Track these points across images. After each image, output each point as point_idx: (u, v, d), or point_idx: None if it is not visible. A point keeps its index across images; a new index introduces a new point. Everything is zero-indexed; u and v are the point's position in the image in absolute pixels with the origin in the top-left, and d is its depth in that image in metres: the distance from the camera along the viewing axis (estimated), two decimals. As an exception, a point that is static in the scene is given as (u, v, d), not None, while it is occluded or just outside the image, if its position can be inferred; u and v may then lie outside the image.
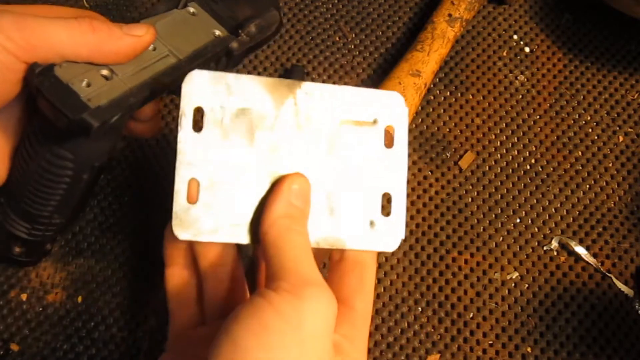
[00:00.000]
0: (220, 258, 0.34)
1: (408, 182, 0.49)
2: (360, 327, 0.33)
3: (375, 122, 0.34)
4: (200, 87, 0.32)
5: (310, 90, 0.33)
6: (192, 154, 0.31)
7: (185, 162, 0.31)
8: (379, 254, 0.35)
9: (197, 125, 0.31)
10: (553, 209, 0.49)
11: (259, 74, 0.53)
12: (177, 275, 0.35)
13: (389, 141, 0.34)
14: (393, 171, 0.34)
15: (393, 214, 0.33)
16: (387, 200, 0.33)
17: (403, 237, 0.33)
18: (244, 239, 0.32)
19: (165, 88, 0.34)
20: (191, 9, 0.38)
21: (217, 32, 0.38)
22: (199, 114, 0.32)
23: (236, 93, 0.32)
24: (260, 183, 0.32)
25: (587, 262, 0.47)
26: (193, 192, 0.31)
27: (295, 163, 0.32)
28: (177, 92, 0.32)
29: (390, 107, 0.34)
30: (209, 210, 0.31)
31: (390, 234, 0.33)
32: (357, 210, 0.33)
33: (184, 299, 0.35)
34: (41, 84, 0.30)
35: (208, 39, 0.37)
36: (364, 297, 0.33)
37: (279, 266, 0.29)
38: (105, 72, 0.32)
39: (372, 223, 0.33)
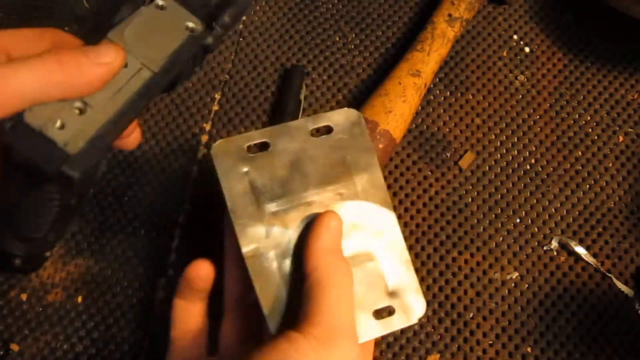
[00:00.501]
0: (244, 295, 0.34)
1: (408, 182, 0.49)
2: None
3: (390, 294, 0.35)
4: (347, 120, 0.35)
5: (391, 223, 0.36)
6: (289, 135, 0.33)
7: (279, 131, 0.33)
8: None
9: (317, 131, 0.34)
10: (553, 209, 0.49)
11: (258, 74, 0.53)
12: (186, 308, 0.35)
13: (377, 314, 0.35)
14: (358, 330, 0.34)
15: None
16: None
17: None
18: (237, 219, 0.32)
19: (143, 108, 0.33)
20: (159, 1, 0.35)
21: (190, 25, 0.35)
22: (326, 130, 0.34)
23: (357, 155, 0.35)
24: (296, 211, 0.33)
25: (587, 262, 0.47)
26: (256, 149, 0.32)
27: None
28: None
29: (411, 306, 0.35)
30: (248, 167, 0.32)
31: None
32: None
33: (190, 330, 0.35)
34: (13, 140, 0.29)
35: (181, 38, 0.35)
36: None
37: (316, 308, 0.29)
38: (78, 104, 0.31)
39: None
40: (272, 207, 0.32)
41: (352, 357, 0.29)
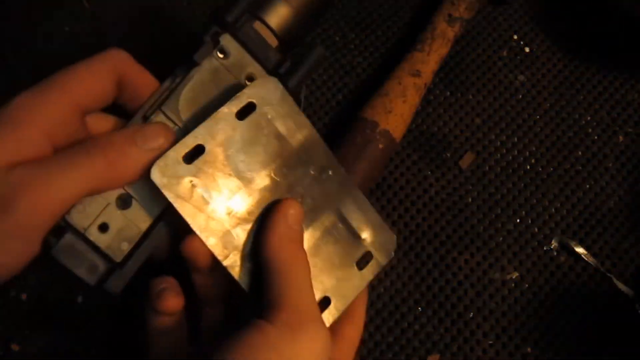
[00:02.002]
0: (214, 288, 0.34)
1: (408, 182, 0.49)
2: (346, 352, 0.34)
3: (363, 240, 0.36)
4: (269, 92, 0.33)
5: (340, 175, 0.35)
6: (218, 128, 0.31)
7: (208, 128, 0.31)
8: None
9: (241, 114, 0.32)
10: (553, 209, 0.49)
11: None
12: (161, 320, 0.34)
13: (362, 264, 0.36)
14: (346, 286, 0.35)
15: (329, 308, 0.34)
16: (325, 302, 0.34)
17: None
18: (203, 233, 0.31)
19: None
20: (221, 51, 0.33)
21: (251, 73, 0.34)
22: (249, 108, 0.32)
23: (288, 123, 0.33)
24: (253, 202, 0.32)
25: (587, 262, 0.47)
26: (192, 155, 0.31)
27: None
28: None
29: (384, 243, 0.37)
30: (192, 177, 0.31)
31: None
32: None
33: (167, 333, 0.34)
34: (57, 253, 0.29)
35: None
36: (353, 325, 0.35)
37: (279, 294, 0.29)
38: (121, 197, 0.30)
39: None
40: (231, 208, 0.32)
41: (321, 339, 0.29)
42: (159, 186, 0.30)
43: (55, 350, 0.43)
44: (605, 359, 0.45)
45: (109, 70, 0.31)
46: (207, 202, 0.31)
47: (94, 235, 0.29)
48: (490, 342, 0.45)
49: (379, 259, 0.36)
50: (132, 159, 0.29)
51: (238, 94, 0.32)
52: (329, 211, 0.35)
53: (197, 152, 0.31)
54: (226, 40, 0.33)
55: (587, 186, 0.50)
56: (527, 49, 0.55)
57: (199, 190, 0.31)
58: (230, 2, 0.33)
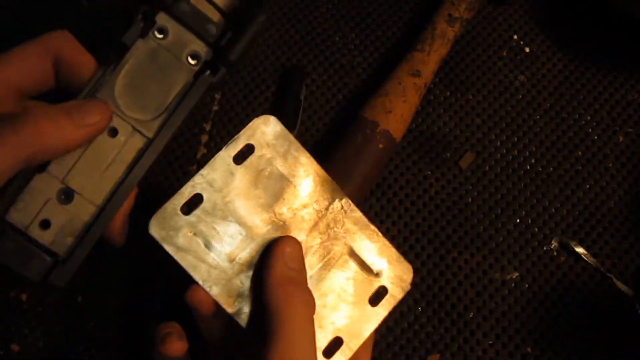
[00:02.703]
0: (220, 332, 0.34)
1: (408, 182, 0.49)
2: None
3: (377, 275, 0.34)
4: (266, 132, 0.32)
5: (347, 209, 0.34)
6: (216, 175, 0.31)
7: (205, 177, 0.31)
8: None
9: (239, 158, 0.32)
10: (553, 209, 0.49)
11: (259, 74, 0.53)
12: None
13: (376, 300, 0.34)
14: (359, 324, 0.34)
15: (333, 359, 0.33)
16: (337, 343, 0.33)
17: None
18: (206, 283, 0.31)
19: (138, 182, 0.32)
20: (159, 30, 0.32)
21: (194, 51, 0.32)
22: (247, 150, 0.32)
23: (289, 160, 0.33)
24: (256, 247, 0.32)
25: (587, 262, 0.47)
26: (190, 205, 0.31)
27: None
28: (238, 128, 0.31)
29: (399, 274, 0.35)
30: (191, 228, 0.31)
31: None
32: None
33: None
34: None
35: (183, 82, 0.32)
36: None
37: (274, 342, 0.28)
38: (63, 191, 0.30)
39: None
40: (233, 255, 0.31)
41: None
42: (158, 240, 0.30)
43: (55, 350, 0.43)
44: (605, 359, 0.45)
45: (43, 50, 0.30)
46: (208, 252, 0.31)
47: (35, 232, 0.29)
48: (490, 342, 0.45)
49: (395, 293, 0.35)
50: (65, 132, 0.28)
51: (234, 137, 0.32)
52: (339, 247, 0.34)
53: (195, 202, 0.31)
54: (162, 18, 0.32)
55: (587, 186, 0.50)
56: (527, 49, 0.55)
57: (199, 241, 0.31)
58: None
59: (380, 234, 0.35)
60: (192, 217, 0.31)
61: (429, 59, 0.50)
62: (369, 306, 0.34)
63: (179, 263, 0.30)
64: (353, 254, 0.34)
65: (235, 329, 0.32)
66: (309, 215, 0.33)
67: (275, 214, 0.32)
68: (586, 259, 0.47)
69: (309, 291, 0.32)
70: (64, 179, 0.30)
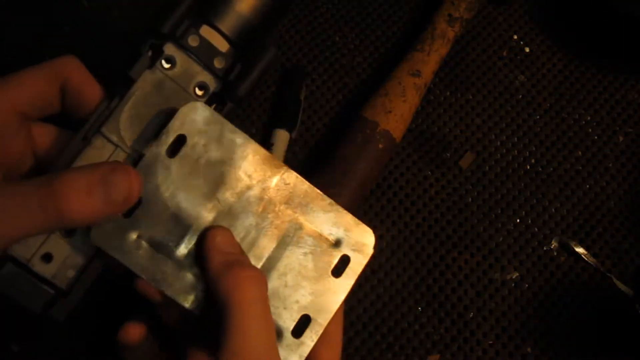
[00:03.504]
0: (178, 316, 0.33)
1: (408, 182, 0.49)
2: None
3: (336, 244, 0.33)
4: (195, 119, 0.31)
5: (292, 182, 0.32)
6: (151, 172, 0.30)
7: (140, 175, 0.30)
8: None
9: (172, 151, 0.30)
10: (553, 209, 0.49)
11: (259, 74, 0.53)
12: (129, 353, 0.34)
13: (339, 270, 0.33)
14: (325, 298, 0.33)
15: (302, 339, 0.32)
16: (305, 321, 0.32)
17: None
18: (160, 283, 0.30)
19: None
20: (167, 60, 0.32)
21: (200, 91, 0.32)
22: (179, 141, 0.31)
23: (225, 144, 0.31)
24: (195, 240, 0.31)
25: (587, 262, 0.47)
26: (131, 208, 0.30)
27: (240, 243, 0.32)
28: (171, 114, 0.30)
29: (360, 240, 0.33)
30: (135, 232, 0.30)
31: (289, 357, 0.32)
32: (273, 316, 0.32)
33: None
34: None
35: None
36: (330, 348, 0.33)
37: (224, 337, 0.28)
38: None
39: (278, 335, 0.32)
40: (182, 250, 0.31)
41: None
42: (103, 248, 0.29)
43: (55, 350, 0.43)
44: (605, 359, 0.45)
45: (51, 76, 0.30)
46: (156, 252, 0.30)
47: (37, 266, 0.29)
48: (490, 342, 0.45)
49: (358, 260, 0.33)
50: (90, 211, 0.27)
51: (163, 131, 0.30)
52: (292, 223, 0.32)
53: (135, 203, 0.30)
54: (170, 48, 0.32)
55: (587, 186, 0.50)
56: (527, 49, 0.55)
57: (145, 242, 0.30)
58: (167, 10, 0.32)
59: (333, 203, 0.33)
60: (134, 219, 0.30)
61: (429, 59, 0.50)
62: (332, 278, 0.33)
63: (128, 268, 0.30)
64: (308, 228, 0.33)
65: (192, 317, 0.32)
66: (255, 197, 0.32)
67: (219, 201, 0.31)
68: (586, 259, 0.47)
69: (254, 267, 0.31)
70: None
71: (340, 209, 0.33)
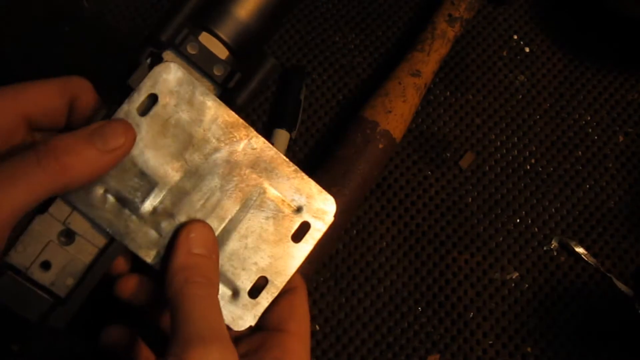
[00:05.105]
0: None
1: (408, 182, 0.49)
2: (296, 348, 0.33)
3: (298, 210, 0.34)
4: (168, 80, 0.31)
5: (259, 147, 0.33)
6: None
7: None
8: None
9: (143, 109, 0.31)
10: (553, 209, 0.49)
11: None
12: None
13: (299, 236, 0.34)
14: (283, 262, 0.33)
15: (258, 299, 0.33)
16: (262, 283, 0.33)
17: (252, 324, 0.33)
18: (124, 237, 0.31)
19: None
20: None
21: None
22: (150, 100, 0.31)
23: (196, 105, 0.32)
24: (171, 196, 0.31)
25: (587, 262, 0.47)
26: None
27: (204, 203, 0.32)
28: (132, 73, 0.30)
29: (321, 207, 0.34)
30: (102, 187, 0.30)
31: (244, 316, 0.33)
32: (231, 276, 0.33)
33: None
34: None
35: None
36: (297, 319, 0.34)
37: (173, 327, 0.28)
38: (64, 233, 0.30)
39: (235, 294, 0.33)
40: (148, 206, 0.31)
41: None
42: (69, 201, 0.29)
43: (55, 350, 0.43)
44: (605, 359, 0.45)
45: (62, 90, 0.30)
46: (122, 207, 0.30)
47: (36, 274, 0.29)
48: (490, 342, 0.45)
49: (318, 227, 0.34)
50: (90, 161, 0.27)
51: (136, 88, 0.31)
52: (256, 187, 0.33)
53: None
54: (169, 57, 0.32)
55: (587, 186, 0.50)
56: (527, 49, 0.55)
57: (111, 197, 0.30)
58: (165, 19, 0.32)
59: (298, 170, 0.34)
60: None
61: (429, 59, 0.50)
62: (292, 243, 0.33)
63: (95, 221, 0.30)
64: (271, 193, 0.33)
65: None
66: (221, 159, 0.32)
67: (186, 161, 0.32)
68: (586, 259, 0.47)
69: (212, 277, 0.31)
70: (65, 221, 0.30)
71: (305, 177, 0.34)
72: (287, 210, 0.34)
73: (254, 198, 0.33)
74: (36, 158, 0.26)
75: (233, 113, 0.32)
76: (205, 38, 0.33)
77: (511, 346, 0.45)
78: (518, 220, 0.49)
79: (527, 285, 0.47)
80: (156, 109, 0.31)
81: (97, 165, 0.28)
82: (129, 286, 0.32)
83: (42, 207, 0.30)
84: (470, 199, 0.49)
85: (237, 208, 0.33)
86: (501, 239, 0.48)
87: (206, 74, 0.32)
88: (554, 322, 0.46)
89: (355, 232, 0.47)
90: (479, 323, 0.45)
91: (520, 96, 0.53)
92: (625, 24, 0.54)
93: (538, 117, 0.52)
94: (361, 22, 0.55)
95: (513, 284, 0.47)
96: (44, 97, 0.30)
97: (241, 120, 0.33)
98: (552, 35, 0.56)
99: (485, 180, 0.50)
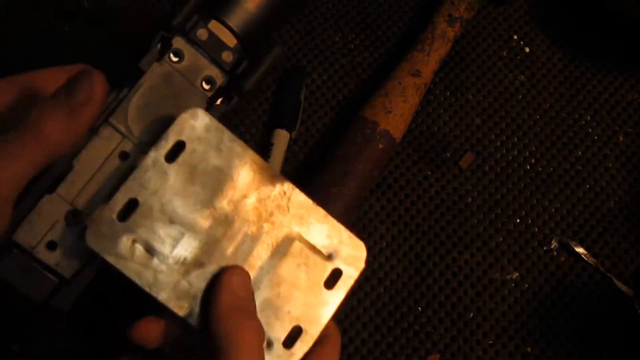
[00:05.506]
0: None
1: (408, 182, 0.49)
2: None
3: (329, 257, 0.33)
4: (195, 126, 0.31)
5: (290, 194, 0.33)
6: (149, 176, 0.30)
7: (139, 179, 0.30)
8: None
9: (171, 156, 0.30)
10: (553, 209, 0.49)
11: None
12: None
13: (331, 283, 0.33)
14: (317, 310, 0.33)
15: (293, 350, 0.32)
16: (296, 332, 0.32)
17: None
18: (153, 289, 0.30)
19: None
20: (175, 54, 0.32)
21: (207, 85, 0.33)
22: (177, 147, 0.31)
23: (224, 152, 0.31)
24: (201, 245, 0.31)
25: (587, 262, 0.47)
26: (126, 211, 0.30)
27: (235, 252, 0.32)
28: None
29: (352, 253, 0.34)
30: (130, 236, 0.30)
31: None
32: (265, 325, 0.32)
33: None
34: (1, 270, 0.28)
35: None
36: None
37: None
38: (71, 213, 0.30)
39: (269, 345, 0.32)
40: (178, 256, 0.30)
41: None
42: (97, 251, 0.29)
43: (55, 350, 0.43)
44: (605, 359, 0.45)
45: (69, 75, 0.30)
46: (150, 257, 0.30)
47: (42, 253, 0.29)
48: (490, 342, 0.45)
49: (350, 273, 0.34)
50: (68, 124, 0.27)
51: (163, 135, 0.30)
52: (287, 234, 0.33)
53: (131, 207, 0.30)
54: (178, 42, 0.32)
55: (587, 186, 0.50)
56: (527, 49, 0.55)
57: (140, 247, 0.30)
58: (178, 5, 0.32)
59: (328, 215, 0.34)
60: (129, 223, 0.30)
61: (429, 59, 0.50)
62: (325, 290, 0.33)
63: (122, 272, 0.30)
64: (302, 239, 0.33)
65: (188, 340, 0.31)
66: (251, 206, 0.32)
67: (215, 209, 0.31)
68: (586, 259, 0.47)
69: (258, 320, 0.31)
70: (72, 201, 0.30)
71: (335, 222, 0.34)
72: (319, 257, 0.33)
73: (285, 245, 0.33)
74: (15, 130, 0.27)
75: (261, 159, 0.32)
76: (214, 26, 0.33)
77: (511, 346, 0.45)
78: (518, 220, 0.49)
79: (527, 285, 0.47)
80: (184, 156, 0.31)
81: (70, 126, 0.28)
82: (153, 332, 0.31)
83: (51, 186, 0.30)
84: (470, 199, 0.49)
85: (268, 256, 0.32)
86: (501, 239, 0.48)
87: (214, 60, 0.33)
88: (554, 322, 0.46)
89: (355, 232, 0.47)
90: (479, 323, 0.45)
91: (520, 96, 0.53)
92: (625, 24, 0.54)
93: (538, 117, 0.52)
94: (361, 22, 0.55)
95: (513, 284, 0.47)
96: (51, 81, 0.30)
97: (269, 166, 0.33)
98: (552, 35, 0.56)
99: (485, 180, 0.50)
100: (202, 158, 0.31)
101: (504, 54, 0.55)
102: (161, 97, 0.32)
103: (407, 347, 0.45)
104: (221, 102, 0.33)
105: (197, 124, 0.31)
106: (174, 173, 0.31)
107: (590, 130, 0.52)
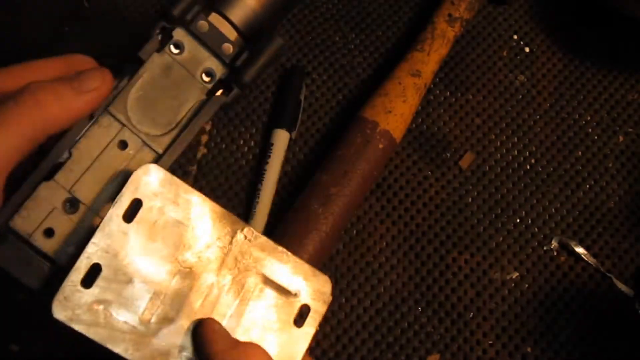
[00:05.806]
0: None
1: (408, 182, 0.49)
2: None
3: (295, 295, 0.34)
4: (149, 182, 0.30)
5: (251, 237, 0.33)
6: (108, 239, 0.30)
7: (98, 244, 0.29)
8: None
9: (129, 215, 0.30)
10: (553, 209, 0.49)
11: (259, 74, 0.53)
12: None
13: (300, 320, 0.34)
14: (290, 348, 0.33)
15: None
16: None
17: None
18: (128, 352, 0.30)
19: None
20: (175, 45, 0.32)
21: (207, 77, 0.33)
22: (135, 206, 0.30)
23: (181, 204, 0.31)
24: (168, 300, 0.31)
25: (587, 262, 0.47)
26: (90, 277, 0.29)
27: (203, 303, 0.32)
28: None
29: (318, 288, 0.34)
30: (97, 302, 0.29)
31: None
32: None
33: None
34: None
35: (195, 99, 0.33)
36: None
37: None
38: (68, 200, 0.30)
39: None
40: (147, 315, 0.30)
41: None
42: (65, 322, 0.29)
43: (55, 350, 0.43)
44: (605, 359, 0.45)
45: (67, 64, 0.31)
46: (120, 320, 0.30)
47: (39, 240, 0.29)
48: (490, 342, 0.45)
49: (317, 308, 0.34)
50: (66, 100, 0.27)
51: (118, 196, 0.30)
52: (252, 278, 0.33)
53: (94, 272, 0.29)
54: (179, 34, 0.32)
55: (587, 186, 0.50)
56: (527, 49, 0.55)
57: (108, 311, 0.29)
58: None
59: (289, 254, 0.34)
60: (94, 289, 0.29)
61: (429, 59, 0.50)
62: (295, 328, 0.33)
63: (93, 340, 0.29)
64: (268, 281, 0.33)
65: None
66: (214, 255, 0.32)
67: (179, 263, 0.31)
68: (586, 259, 0.47)
69: (256, 345, 0.31)
70: (70, 189, 0.30)
71: (297, 259, 0.34)
72: (286, 296, 0.33)
73: (252, 289, 0.33)
74: (13, 101, 0.26)
75: (219, 206, 0.32)
76: (215, 19, 0.33)
77: (511, 346, 0.45)
78: (518, 220, 0.49)
79: (527, 285, 0.47)
80: (142, 213, 0.30)
81: (73, 105, 0.28)
82: None
83: (49, 174, 0.30)
84: (470, 199, 0.49)
85: (237, 302, 0.32)
86: (501, 239, 0.48)
87: (214, 52, 0.33)
88: (554, 322, 0.46)
89: (355, 232, 0.47)
90: (479, 323, 0.45)
91: (520, 96, 0.53)
92: (626, 24, 0.54)
93: (538, 117, 0.52)
94: (361, 22, 0.55)
95: (513, 284, 0.47)
96: (50, 71, 0.30)
97: (228, 213, 0.32)
98: (552, 35, 0.56)
99: (485, 180, 0.50)
100: (160, 213, 0.31)
101: (504, 54, 0.55)
102: (161, 88, 0.32)
103: (407, 347, 0.45)
104: (221, 93, 0.33)
105: (151, 179, 0.30)
106: (134, 232, 0.30)
107: (590, 130, 0.52)
